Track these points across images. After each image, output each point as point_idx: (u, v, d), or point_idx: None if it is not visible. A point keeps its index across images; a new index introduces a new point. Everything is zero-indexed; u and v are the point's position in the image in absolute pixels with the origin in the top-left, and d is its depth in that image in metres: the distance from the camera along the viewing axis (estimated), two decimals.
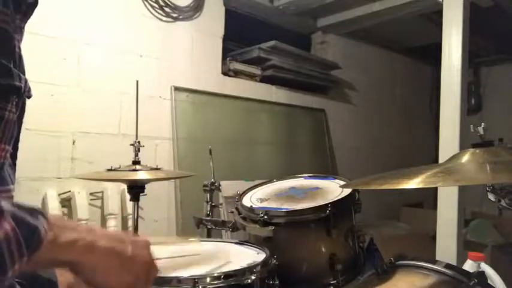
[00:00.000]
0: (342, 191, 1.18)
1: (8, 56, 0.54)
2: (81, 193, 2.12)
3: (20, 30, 0.59)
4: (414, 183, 0.79)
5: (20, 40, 0.59)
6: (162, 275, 0.80)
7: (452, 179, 0.86)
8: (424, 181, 0.79)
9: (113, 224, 2.19)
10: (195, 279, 0.75)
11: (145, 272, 0.68)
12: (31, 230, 0.50)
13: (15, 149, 0.63)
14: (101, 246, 0.61)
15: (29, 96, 0.63)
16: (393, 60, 4.48)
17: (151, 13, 2.51)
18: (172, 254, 0.95)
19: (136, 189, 1.67)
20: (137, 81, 2.29)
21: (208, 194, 1.69)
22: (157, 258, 0.73)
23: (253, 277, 0.81)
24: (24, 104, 0.63)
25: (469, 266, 1.19)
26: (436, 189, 2.43)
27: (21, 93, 0.58)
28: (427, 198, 4.40)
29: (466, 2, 2.35)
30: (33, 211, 0.52)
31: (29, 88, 0.62)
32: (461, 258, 2.05)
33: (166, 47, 2.58)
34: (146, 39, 2.49)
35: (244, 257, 0.92)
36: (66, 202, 2.12)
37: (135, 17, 2.45)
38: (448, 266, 0.91)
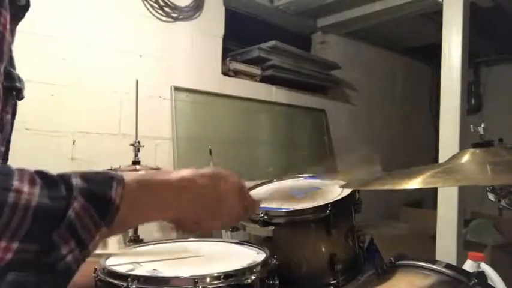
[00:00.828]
0: (342, 191, 1.18)
1: (6, 59, 0.56)
2: None
3: (12, 32, 0.60)
4: (414, 183, 0.79)
5: (12, 43, 0.60)
6: (161, 275, 0.80)
7: (453, 179, 0.86)
8: (424, 181, 0.79)
9: None
10: (195, 279, 0.75)
11: (239, 197, 0.71)
12: (103, 202, 0.51)
13: (7, 149, 0.64)
14: (183, 205, 0.64)
15: (22, 98, 0.65)
16: (393, 60, 4.48)
17: (151, 13, 2.51)
18: (175, 255, 0.95)
19: None
20: (137, 81, 2.29)
21: None
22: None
23: (253, 277, 0.81)
24: (16, 105, 0.65)
25: (469, 266, 1.19)
26: (436, 189, 2.43)
27: (20, 95, 0.60)
28: (427, 198, 4.40)
29: (466, 2, 2.35)
30: (106, 179, 0.54)
31: (24, 90, 0.63)
32: (461, 258, 2.05)
33: (166, 47, 2.58)
34: (146, 39, 2.49)
35: (244, 257, 0.92)
36: None
37: (135, 17, 2.45)
38: (448, 266, 0.91)
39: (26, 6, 0.64)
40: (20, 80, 0.60)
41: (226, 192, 0.69)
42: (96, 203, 0.50)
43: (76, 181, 0.50)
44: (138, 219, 0.61)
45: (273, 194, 1.29)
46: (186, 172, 0.67)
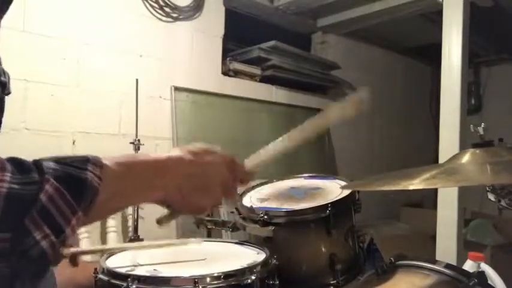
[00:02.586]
0: (342, 191, 1.18)
1: None
2: None
3: None
4: (414, 184, 0.79)
5: None
6: (161, 275, 0.80)
7: (453, 180, 0.86)
8: (424, 182, 0.79)
9: (113, 224, 2.19)
10: (195, 279, 0.75)
11: (230, 172, 0.68)
12: (78, 184, 0.49)
13: None
14: (171, 184, 0.61)
15: (8, 93, 0.64)
16: (393, 60, 4.48)
17: (151, 13, 2.51)
18: (174, 258, 0.95)
19: None
20: (137, 80, 2.29)
21: None
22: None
23: (253, 277, 0.81)
24: (3, 101, 0.64)
25: (469, 266, 1.19)
26: (436, 189, 2.43)
27: (5, 89, 0.59)
28: (427, 198, 4.40)
29: (466, 2, 2.35)
30: (81, 161, 0.51)
31: (9, 85, 0.62)
32: (461, 258, 2.05)
33: (166, 47, 2.58)
34: (146, 39, 2.49)
35: (244, 257, 0.92)
36: None
37: (135, 17, 2.45)
38: (448, 266, 0.91)
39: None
40: (4, 73, 0.59)
41: (214, 167, 0.66)
42: (71, 185, 0.48)
43: (48, 164, 0.48)
44: (121, 202, 0.59)
45: (274, 193, 1.29)
46: (171, 151, 0.64)
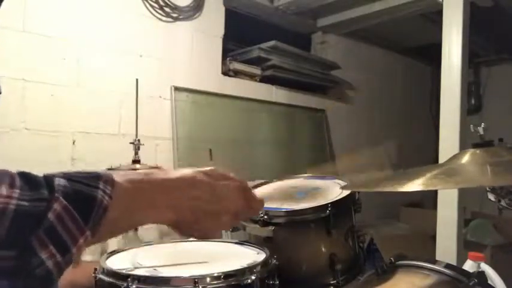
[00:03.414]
0: (342, 191, 1.18)
1: None
2: None
3: None
4: (414, 185, 0.79)
5: None
6: (161, 275, 0.80)
7: (453, 181, 0.86)
8: (424, 183, 0.79)
9: None
10: (195, 279, 0.74)
11: (240, 199, 0.66)
12: (87, 202, 0.48)
13: None
14: (183, 205, 0.59)
15: None
16: (393, 60, 4.48)
17: (151, 13, 2.51)
18: (174, 258, 0.95)
19: None
20: (137, 80, 2.29)
21: None
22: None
23: (253, 277, 0.80)
24: None
25: (469, 266, 1.19)
26: (436, 189, 2.43)
27: None
28: (427, 198, 4.40)
29: (466, 2, 2.35)
30: (92, 178, 0.50)
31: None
32: (461, 258, 2.05)
33: (166, 47, 2.58)
34: (146, 39, 2.49)
35: (244, 257, 0.92)
36: None
37: (135, 17, 2.45)
38: (448, 266, 0.91)
39: None
40: None
41: (228, 193, 0.65)
42: (79, 204, 0.47)
43: (59, 181, 0.47)
44: (131, 222, 0.57)
45: (274, 193, 1.29)
46: (184, 171, 0.62)
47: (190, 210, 0.61)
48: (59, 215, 0.45)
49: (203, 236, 0.65)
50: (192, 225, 0.62)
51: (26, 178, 0.46)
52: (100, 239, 0.52)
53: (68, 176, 0.49)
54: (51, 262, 0.44)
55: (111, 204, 0.50)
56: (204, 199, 0.62)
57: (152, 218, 0.59)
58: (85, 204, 0.48)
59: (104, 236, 0.52)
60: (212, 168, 0.66)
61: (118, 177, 0.53)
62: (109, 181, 0.51)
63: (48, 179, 0.48)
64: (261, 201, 0.72)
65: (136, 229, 1.53)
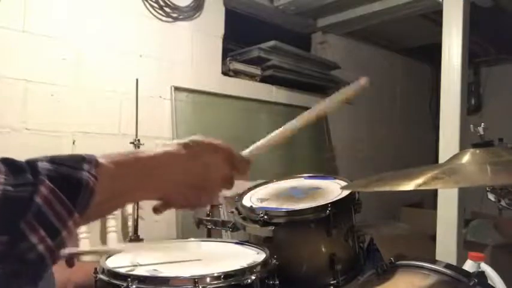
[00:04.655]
0: (342, 191, 1.18)
1: None
2: None
3: None
4: (414, 185, 0.79)
5: None
6: (161, 275, 0.80)
7: (453, 181, 0.86)
8: (424, 183, 0.79)
9: (113, 224, 2.19)
10: (195, 279, 0.75)
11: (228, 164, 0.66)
12: (74, 185, 0.48)
13: None
14: (169, 181, 0.60)
15: None
16: (393, 60, 4.48)
17: (151, 13, 2.51)
18: (174, 258, 0.95)
19: None
20: (137, 80, 2.29)
21: None
22: None
23: (253, 277, 0.81)
24: None
25: (469, 266, 1.19)
26: (436, 189, 2.43)
27: None
28: (427, 198, 4.40)
29: (466, 2, 2.35)
30: (76, 161, 0.50)
31: None
32: (461, 258, 2.05)
33: (166, 47, 2.58)
34: (146, 39, 2.49)
35: (244, 257, 0.92)
36: None
37: (135, 17, 2.45)
38: (448, 266, 0.91)
39: None
40: None
41: (212, 161, 0.64)
42: (66, 186, 0.47)
43: (43, 165, 0.47)
44: (119, 202, 0.57)
45: (274, 193, 1.29)
46: (167, 148, 0.62)
47: (177, 185, 0.61)
48: (46, 199, 0.45)
49: (195, 207, 0.65)
50: (181, 198, 0.62)
51: (9, 164, 0.46)
52: (89, 219, 0.52)
53: (51, 160, 0.49)
54: (42, 246, 0.44)
55: (97, 185, 0.50)
56: (188, 172, 0.62)
57: (139, 196, 0.60)
58: (71, 186, 0.48)
59: (91, 217, 0.52)
60: (193, 138, 0.65)
61: (102, 158, 0.53)
62: (93, 162, 0.51)
63: (31, 164, 0.47)
64: (247, 162, 0.71)
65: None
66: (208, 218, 1.52)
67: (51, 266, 0.47)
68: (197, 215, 1.57)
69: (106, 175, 0.52)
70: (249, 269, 0.82)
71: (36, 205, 0.44)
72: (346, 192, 1.16)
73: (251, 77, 3.07)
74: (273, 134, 0.75)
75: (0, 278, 0.43)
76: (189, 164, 0.62)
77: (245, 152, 0.72)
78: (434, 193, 2.68)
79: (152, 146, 0.59)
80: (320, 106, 0.78)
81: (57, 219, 0.46)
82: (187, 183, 0.62)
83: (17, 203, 0.44)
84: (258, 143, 0.74)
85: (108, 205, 0.55)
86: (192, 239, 1.14)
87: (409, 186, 0.79)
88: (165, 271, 0.82)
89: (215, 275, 0.77)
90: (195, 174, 0.62)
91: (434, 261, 0.95)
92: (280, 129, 0.76)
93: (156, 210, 0.66)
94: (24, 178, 0.45)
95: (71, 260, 0.64)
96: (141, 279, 0.76)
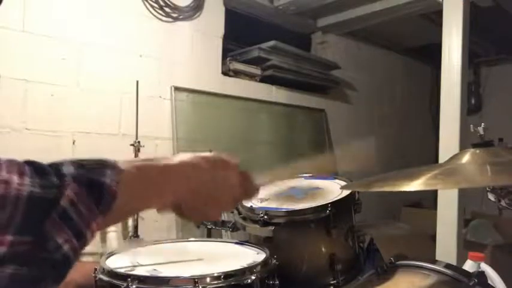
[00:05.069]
0: (342, 191, 1.18)
1: None
2: None
3: None
4: (414, 185, 0.79)
5: None
6: (161, 275, 0.80)
7: (453, 181, 0.86)
8: (424, 183, 0.79)
9: None
10: (195, 279, 0.75)
11: (241, 182, 0.68)
12: (98, 188, 0.49)
13: None
14: (184, 190, 0.61)
15: None
16: (393, 60, 4.48)
17: (151, 13, 2.51)
18: (174, 258, 0.95)
19: None
20: (137, 81, 2.29)
21: None
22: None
23: (253, 277, 0.81)
24: None
25: (469, 266, 1.19)
26: (436, 189, 2.43)
27: None
28: (427, 198, 4.40)
29: (466, 2, 2.35)
30: (99, 165, 0.52)
31: None
32: (461, 258, 2.05)
33: (166, 47, 2.58)
34: (146, 39, 2.49)
35: (244, 257, 0.92)
36: None
37: (135, 17, 2.45)
38: (448, 266, 0.91)
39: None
40: None
41: (229, 179, 0.67)
42: (91, 189, 0.48)
43: (68, 168, 0.49)
44: (137, 206, 0.59)
45: (274, 193, 1.29)
46: (186, 156, 0.64)
47: (191, 195, 0.63)
48: (71, 200, 0.46)
49: (202, 219, 0.67)
50: (191, 208, 0.64)
51: (34, 166, 0.47)
52: (109, 222, 0.53)
53: (74, 163, 0.51)
54: (68, 246, 0.45)
55: (119, 189, 0.51)
56: (203, 184, 0.64)
57: (156, 202, 0.61)
58: (95, 189, 0.49)
59: (113, 219, 0.54)
60: (213, 154, 0.68)
61: (123, 163, 0.55)
62: (115, 167, 0.53)
63: (56, 167, 0.49)
64: (257, 189, 0.74)
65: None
66: None
67: (74, 266, 0.48)
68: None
69: (127, 179, 0.53)
70: (249, 269, 0.82)
71: (61, 206, 0.45)
72: (346, 192, 1.16)
73: (251, 77, 3.07)
74: (284, 172, 0.79)
75: (26, 279, 0.43)
76: (206, 177, 0.64)
77: (259, 180, 0.76)
78: (434, 193, 2.69)
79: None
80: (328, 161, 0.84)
81: (81, 221, 0.47)
82: (202, 195, 0.64)
83: (42, 204, 0.45)
84: (272, 177, 0.78)
85: (128, 209, 0.56)
86: (192, 239, 1.14)
87: (409, 186, 0.79)
88: (165, 271, 0.82)
89: (215, 275, 0.77)
90: (210, 187, 0.64)
91: (434, 261, 0.95)
92: (291, 169, 0.82)
93: (159, 209, 0.68)
94: (49, 180, 0.46)
95: None
96: (141, 279, 0.76)
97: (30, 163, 0.48)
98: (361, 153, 0.87)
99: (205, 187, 0.64)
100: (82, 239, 0.47)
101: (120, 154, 2.13)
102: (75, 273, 0.90)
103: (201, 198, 0.64)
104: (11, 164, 0.46)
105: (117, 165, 0.53)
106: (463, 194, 2.31)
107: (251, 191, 0.73)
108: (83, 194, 0.47)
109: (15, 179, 0.44)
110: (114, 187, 0.51)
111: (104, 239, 2.18)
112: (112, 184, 0.51)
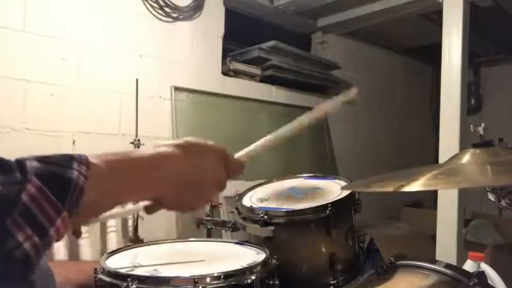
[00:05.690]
0: (342, 191, 1.18)
1: None
2: None
3: None
4: (414, 185, 0.79)
5: None
6: (161, 275, 0.80)
7: (453, 181, 0.86)
8: (424, 183, 0.79)
9: (113, 224, 2.19)
10: (195, 279, 0.75)
11: (221, 167, 0.65)
12: (62, 183, 0.47)
13: None
14: (162, 181, 0.59)
15: None
16: (393, 60, 4.48)
17: (151, 13, 2.51)
18: (174, 258, 0.95)
19: None
20: (137, 80, 2.29)
21: None
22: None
23: (253, 277, 0.81)
24: None
25: (469, 266, 1.19)
26: (436, 189, 2.43)
27: None
28: (427, 198, 4.40)
29: (466, 2, 2.35)
30: (66, 160, 0.49)
31: None
32: (461, 258, 2.05)
33: (166, 47, 2.58)
34: (146, 39, 2.49)
35: (244, 257, 0.92)
36: None
37: (135, 17, 2.45)
38: (448, 266, 0.91)
39: None
40: None
41: (207, 163, 0.64)
42: (54, 184, 0.46)
43: (31, 163, 0.47)
44: (111, 202, 0.56)
45: (274, 193, 1.29)
46: (160, 148, 0.61)
47: (170, 186, 0.60)
48: (33, 197, 0.45)
49: (188, 209, 0.65)
50: (174, 200, 0.62)
51: None
52: (85, 219, 0.52)
53: (40, 159, 0.48)
54: (28, 244, 0.44)
55: (87, 184, 0.49)
56: (182, 173, 0.61)
57: (133, 196, 0.59)
58: (60, 185, 0.47)
59: (87, 215, 0.52)
60: (188, 139, 0.64)
61: (92, 158, 0.52)
62: (83, 162, 0.50)
63: (20, 162, 0.47)
64: (240, 164, 0.71)
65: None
66: (208, 218, 1.52)
67: (37, 265, 0.46)
68: (197, 215, 1.57)
69: (97, 174, 0.51)
70: (249, 269, 0.82)
71: (22, 203, 0.44)
72: (346, 192, 1.16)
73: (251, 77, 3.07)
74: (266, 137, 0.74)
75: None
76: (182, 165, 0.61)
77: (239, 154, 0.72)
78: (434, 193, 2.69)
79: (150, 146, 0.59)
80: (311, 113, 0.78)
81: (44, 217, 0.45)
82: (180, 184, 0.61)
83: (3, 201, 0.43)
84: (252, 146, 0.74)
85: (101, 205, 0.54)
86: (192, 239, 1.14)
87: (409, 186, 0.79)
88: (165, 271, 0.82)
89: (215, 275, 0.77)
90: (188, 175, 0.62)
91: (434, 261, 0.95)
92: (273, 133, 0.76)
93: (148, 209, 0.66)
94: (12, 176, 0.45)
95: (77, 231, 0.63)
96: (141, 279, 0.76)
97: None
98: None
99: (183, 175, 0.61)
100: (45, 237, 0.45)
101: None
102: (75, 273, 0.90)
103: (180, 189, 0.61)
104: None
105: (85, 160, 0.51)
106: (463, 194, 2.31)
107: (235, 168, 0.69)
108: (46, 190, 0.46)
109: None
110: (81, 182, 0.49)
111: (104, 239, 2.18)
112: (79, 179, 0.48)
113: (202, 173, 0.63)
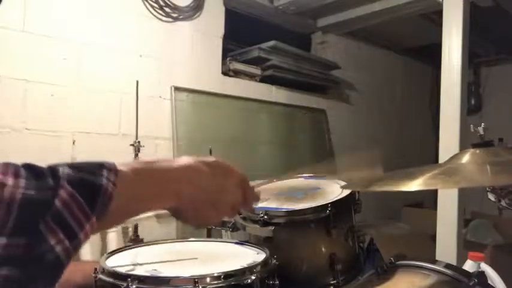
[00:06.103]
0: (342, 191, 1.18)
1: None
2: None
3: None
4: (414, 185, 0.79)
5: None
6: (161, 275, 0.80)
7: (452, 181, 0.86)
8: (424, 183, 0.79)
9: None
10: (195, 279, 0.74)
11: (240, 190, 0.69)
12: (92, 190, 0.49)
13: None
14: (183, 193, 0.61)
15: None
16: (393, 60, 4.48)
17: (151, 13, 2.51)
18: (174, 258, 0.95)
19: None
20: (137, 81, 2.29)
21: None
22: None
23: (253, 277, 0.81)
24: None
25: (469, 266, 1.19)
26: (436, 189, 2.43)
27: None
28: (427, 198, 4.40)
29: (466, 2, 2.35)
30: (96, 168, 0.52)
31: None
32: (461, 258, 2.05)
33: (166, 47, 2.58)
34: (146, 39, 2.49)
35: (244, 257, 0.92)
36: None
37: (135, 17, 2.45)
38: (448, 266, 0.91)
39: None
40: None
41: (229, 185, 0.68)
42: (85, 191, 0.48)
43: (63, 170, 0.49)
44: (136, 209, 0.59)
45: (274, 193, 1.29)
46: (187, 160, 0.64)
47: (190, 199, 0.63)
48: (65, 202, 0.46)
49: (200, 224, 0.67)
50: (191, 213, 0.64)
51: (30, 168, 0.47)
52: (107, 225, 0.53)
53: (71, 166, 0.50)
54: (60, 247, 0.45)
55: (115, 191, 0.51)
56: (203, 189, 0.64)
57: (155, 205, 0.61)
58: (90, 191, 0.49)
59: (109, 223, 0.54)
60: (214, 159, 0.68)
61: (121, 166, 0.55)
62: (112, 169, 0.53)
63: (52, 169, 0.49)
64: (257, 196, 0.75)
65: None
66: None
67: (66, 268, 0.48)
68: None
69: (125, 182, 0.53)
70: (249, 269, 0.82)
71: (55, 208, 0.45)
72: (346, 192, 1.16)
73: (251, 77, 3.07)
74: (282, 180, 0.80)
75: (19, 281, 0.43)
76: (208, 182, 0.64)
77: (256, 185, 0.76)
78: (434, 193, 2.68)
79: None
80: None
81: (75, 222, 0.47)
82: (202, 200, 0.64)
83: (37, 206, 0.45)
84: (271, 184, 0.79)
85: (126, 211, 0.56)
86: (192, 239, 1.14)
87: (409, 186, 0.79)
88: (165, 271, 0.82)
89: (215, 275, 0.77)
90: (212, 193, 0.65)
91: (434, 261, 0.95)
92: (288, 175, 0.82)
93: (159, 217, 0.68)
94: (44, 182, 0.46)
95: None
96: (141, 279, 0.76)
97: (27, 166, 0.48)
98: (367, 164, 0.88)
99: (206, 192, 0.64)
100: (75, 241, 0.47)
101: (120, 154, 2.14)
102: (75, 273, 0.90)
103: (200, 203, 0.64)
104: (7, 166, 0.46)
105: (114, 167, 0.53)
106: (463, 194, 2.31)
107: (250, 200, 0.73)
108: (77, 196, 0.47)
109: (10, 180, 0.44)
110: (110, 189, 0.51)
111: (104, 239, 2.18)
112: (108, 186, 0.51)
113: (223, 193, 0.67)
